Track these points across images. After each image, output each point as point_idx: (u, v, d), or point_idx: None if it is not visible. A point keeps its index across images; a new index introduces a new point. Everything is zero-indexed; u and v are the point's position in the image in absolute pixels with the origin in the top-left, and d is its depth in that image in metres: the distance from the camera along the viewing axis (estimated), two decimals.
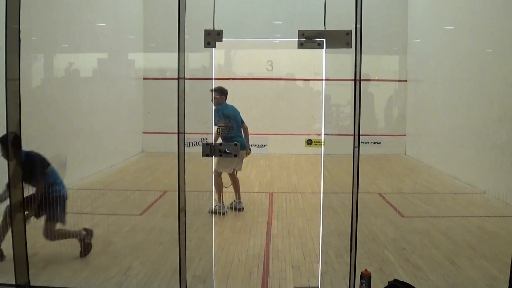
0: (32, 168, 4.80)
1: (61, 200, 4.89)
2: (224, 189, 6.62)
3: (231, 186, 6.76)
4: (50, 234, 4.80)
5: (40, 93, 7.38)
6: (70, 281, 4.27)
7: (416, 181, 9.24)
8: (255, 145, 11.48)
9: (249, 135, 6.78)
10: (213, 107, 6.40)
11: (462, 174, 8.63)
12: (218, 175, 6.53)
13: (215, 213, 6.42)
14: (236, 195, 6.72)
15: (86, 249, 4.90)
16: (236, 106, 6.65)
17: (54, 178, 4.94)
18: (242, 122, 6.67)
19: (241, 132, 6.62)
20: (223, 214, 6.45)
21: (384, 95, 12.14)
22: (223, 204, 6.53)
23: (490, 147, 7.58)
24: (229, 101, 6.55)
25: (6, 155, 4.08)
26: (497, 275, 4.38)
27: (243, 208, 6.66)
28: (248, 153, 6.76)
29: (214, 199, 6.50)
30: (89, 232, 5.01)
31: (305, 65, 11.16)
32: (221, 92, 6.46)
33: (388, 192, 7.97)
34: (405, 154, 11.84)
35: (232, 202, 6.72)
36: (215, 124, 6.29)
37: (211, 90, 6.39)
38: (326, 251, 4.96)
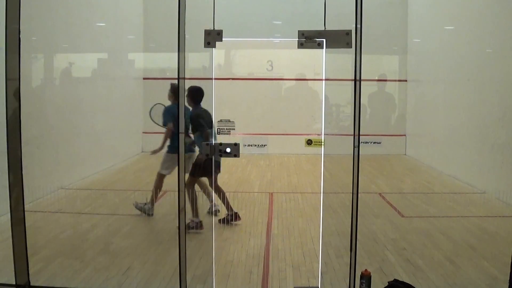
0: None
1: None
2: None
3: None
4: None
5: (40, 93, 7.38)
6: (70, 281, 4.27)
7: (416, 181, 9.24)
8: (255, 145, 11.49)
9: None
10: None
11: (462, 174, 8.63)
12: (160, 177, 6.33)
13: (145, 213, 6.24)
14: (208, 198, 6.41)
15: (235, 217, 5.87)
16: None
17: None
18: None
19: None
20: (151, 215, 6.26)
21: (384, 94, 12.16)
22: (153, 206, 6.31)
23: (490, 147, 7.58)
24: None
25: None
26: (497, 275, 4.38)
27: (219, 210, 6.34)
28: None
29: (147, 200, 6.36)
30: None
31: (305, 65, 11.16)
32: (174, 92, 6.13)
33: (388, 192, 7.97)
34: (405, 154, 11.84)
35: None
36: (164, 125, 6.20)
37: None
38: (326, 251, 4.96)
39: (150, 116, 6.42)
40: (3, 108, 3.84)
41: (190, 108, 5.90)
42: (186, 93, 6.09)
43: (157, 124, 6.27)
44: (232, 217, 6.03)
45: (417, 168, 10.49)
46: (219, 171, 6.03)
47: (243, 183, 7.90)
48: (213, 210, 6.26)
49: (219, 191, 6.07)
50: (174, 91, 6.08)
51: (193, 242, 5.15)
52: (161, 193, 7.34)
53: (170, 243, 5.19)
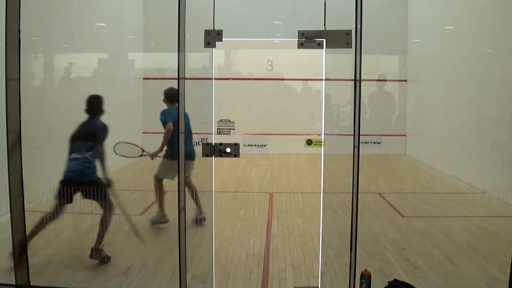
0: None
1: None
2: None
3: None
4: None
5: (40, 93, 7.38)
6: (70, 281, 4.27)
7: (416, 181, 9.24)
8: (255, 145, 11.49)
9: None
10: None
11: (462, 174, 8.63)
12: (158, 181, 6.14)
13: (157, 223, 5.97)
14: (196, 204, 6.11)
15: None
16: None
17: None
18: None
19: (191, 138, 6.16)
20: (164, 223, 5.98)
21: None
22: (164, 213, 6.02)
23: (490, 147, 7.58)
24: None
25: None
26: (497, 275, 4.38)
27: (204, 219, 5.99)
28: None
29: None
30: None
31: (305, 65, 11.15)
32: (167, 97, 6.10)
33: (388, 192, 7.97)
34: (405, 154, 11.84)
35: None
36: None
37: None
38: (326, 251, 4.95)
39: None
40: (3, 108, 3.84)
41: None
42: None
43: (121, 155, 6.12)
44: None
45: (417, 168, 10.49)
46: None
47: (243, 183, 7.90)
48: (199, 217, 5.98)
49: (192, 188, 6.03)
50: (167, 96, 6.04)
51: (193, 242, 5.15)
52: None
53: (170, 243, 5.18)
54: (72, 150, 4.95)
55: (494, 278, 4.35)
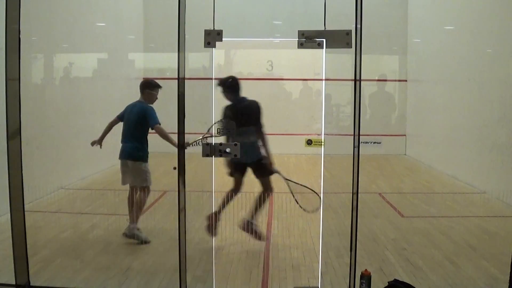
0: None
1: None
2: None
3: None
4: None
5: (40, 93, 7.38)
6: (70, 281, 4.27)
7: (416, 181, 9.24)
8: None
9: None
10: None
11: (462, 174, 8.63)
12: (130, 189, 5.56)
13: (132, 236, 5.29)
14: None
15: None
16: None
17: None
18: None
19: (134, 136, 5.63)
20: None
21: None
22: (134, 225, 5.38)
23: (490, 147, 7.59)
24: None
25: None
26: (497, 275, 4.38)
27: (136, 237, 5.26)
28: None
29: (127, 219, 5.43)
30: None
31: (305, 65, 11.15)
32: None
33: (388, 192, 7.97)
34: (405, 154, 11.84)
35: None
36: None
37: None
38: (326, 251, 4.96)
39: None
40: (3, 108, 3.84)
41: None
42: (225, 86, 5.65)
43: None
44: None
45: (417, 168, 10.49)
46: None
47: (243, 183, 7.86)
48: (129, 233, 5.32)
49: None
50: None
51: (193, 242, 5.15)
52: (160, 193, 7.35)
53: (170, 243, 5.18)
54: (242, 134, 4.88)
55: (494, 278, 4.35)
